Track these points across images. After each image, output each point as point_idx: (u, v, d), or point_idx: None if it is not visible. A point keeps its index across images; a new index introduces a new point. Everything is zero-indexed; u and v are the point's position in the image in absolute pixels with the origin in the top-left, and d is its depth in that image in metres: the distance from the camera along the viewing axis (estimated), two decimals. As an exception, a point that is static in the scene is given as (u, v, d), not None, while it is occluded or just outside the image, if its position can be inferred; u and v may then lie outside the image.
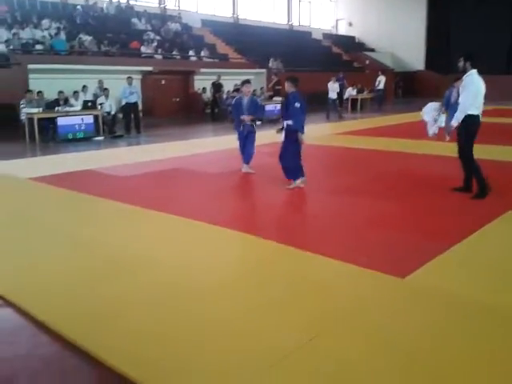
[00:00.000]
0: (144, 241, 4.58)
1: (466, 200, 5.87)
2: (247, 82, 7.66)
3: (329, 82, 18.10)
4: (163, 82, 17.58)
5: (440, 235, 4.58)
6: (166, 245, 4.47)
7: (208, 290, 3.48)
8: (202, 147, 10.60)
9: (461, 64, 6.01)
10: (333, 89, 17.88)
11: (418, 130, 11.84)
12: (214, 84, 17.41)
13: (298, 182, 6.56)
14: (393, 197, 6.09)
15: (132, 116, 13.60)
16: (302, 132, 6.48)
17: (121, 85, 13.62)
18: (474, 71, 5.92)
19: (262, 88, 18.80)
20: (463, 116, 5.82)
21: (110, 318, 3.07)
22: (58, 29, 16.20)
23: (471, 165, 5.99)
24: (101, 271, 3.84)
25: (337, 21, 33.67)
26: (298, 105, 6.34)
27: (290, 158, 6.50)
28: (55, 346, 2.81)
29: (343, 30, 33.34)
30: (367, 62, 28.92)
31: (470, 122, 5.85)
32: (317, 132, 13.18)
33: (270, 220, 5.38)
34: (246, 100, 7.50)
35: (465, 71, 5.97)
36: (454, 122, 5.93)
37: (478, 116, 5.90)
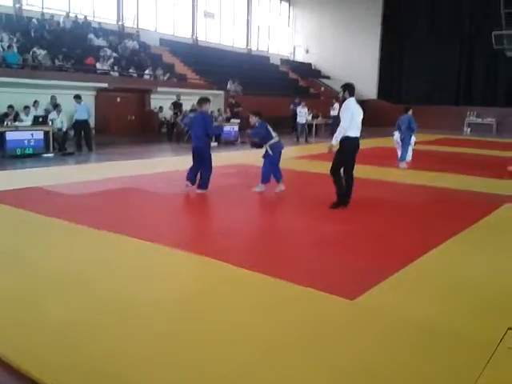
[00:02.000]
0: (90, 261, 4.44)
1: (414, 223, 6.04)
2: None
3: (297, 106, 18.70)
4: (118, 99, 17.35)
5: (387, 258, 4.67)
6: (116, 265, 4.34)
7: (158, 312, 3.39)
8: (156, 167, 10.48)
9: (341, 94, 6.80)
10: (302, 114, 18.29)
11: (370, 157, 12.17)
12: (175, 103, 17.47)
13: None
14: (343, 220, 6.19)
15: (83, 133, 13.32)
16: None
17: (75, 102, 13.35)
18: (351, 99, 6.65)
19: (219, 109, 18.88)
20: (341, 137, 6.50)
21: (56, 339, 2.93)
22: (11, 41, 15.76)
23: (335, 178, 6.68)
24: (46, 292, 3.68)
25: (294, 47, 34.44)
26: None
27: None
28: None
29: (300, 57, 34.10)
30: (322, 88, 29.65)
31: (347, 143, 6.53)
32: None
33: (223, 241, 5.34)
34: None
35: (344, 99, 6.69)
36: (334, 141, 6.57)
37: (355, 138, 6.58)
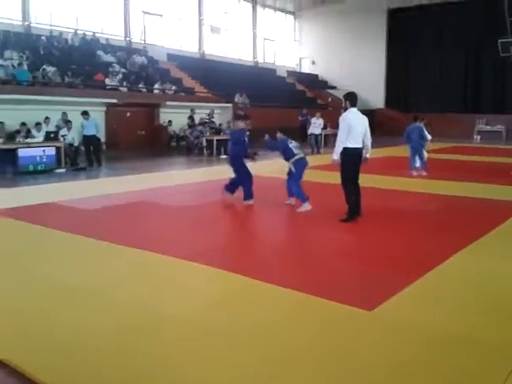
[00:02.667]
0: (109, 275, 4.45)
1: (428, 233, 6.00)
2: None
3: (306, 117, 18.58)
4: (128, 114, 17.50)
5: (403, 268, 4.64)
6: (132, 279, 4.36)
7: (172, 323, 3.39)
8: (169, 180, 10.53)
9: (343, 104, 6.63)
10: (316, 125, 18.08)
11: (382, 166, 12.15)
12: (190, 117, 17.94)
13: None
14: (359, 230, 6.16)
15: (92, 148, 13.41)
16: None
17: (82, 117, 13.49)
18: (352, 109, 6.46)
19: (228, 122, 18.96)
20: (340, 149, 6.36)
21: (70, 350, 2.94)
22: (21, 59, 15.99)
23: (345, 191, 6.53)
24: (63, 307, 3.70)
25: (300, 59, 34.61)
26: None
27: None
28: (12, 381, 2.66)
29: (307, 68, 34.26)
30: (330, 99, 29.70)
31: (345, 153, 6.38)
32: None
33: (238, 253, 5.34)
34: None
35: (346, 109, 6.51)
36: (335, 155, 6.42)
37: (354, 149, 6.39)
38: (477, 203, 7.99)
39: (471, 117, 26.99)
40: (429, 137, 11.33)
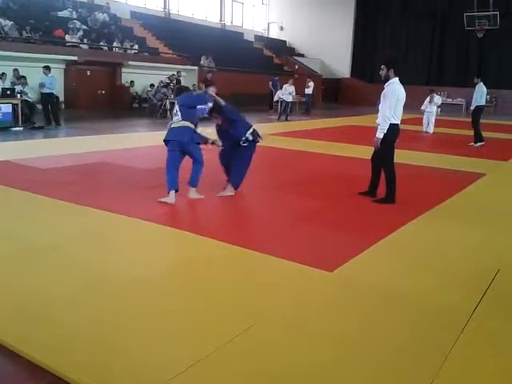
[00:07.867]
0: (68, 235, 4.36)
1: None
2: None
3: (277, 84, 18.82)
4: (88, 73, 16.92)
5: (363, 232, 4.74)
6: (91, 240, 4.29)
7: (141, 284, 3.37)
8: (130, 142, 10.31)
9: (383, 72, 5.74)
10: (287, 92, 18.02)
11: (348, 135, 12.26)
12: (177, 79, 17.80)
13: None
14: (320, 196, 6.23)
15: (50, 107, 12.92)
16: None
17: (43, 74, 12.94)
18: (396, 79, 5.70)
19: (193, 85, 18.58)
20: (388, 125, 5.62)
21: (32, 313, 2.90)
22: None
23: (389, 173, 5.85)
24: (23, 266, 3.61)
25: (268, 24, 34.07)
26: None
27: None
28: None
29: (274, 34, 33.81)
30: (297, 66, 29.52)
31: (390, 130, 5.65)
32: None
33: (204, 216, 5.33)
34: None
35: (387, 79, 5.71)
36: (380, 134, 5.66)
37: (397, 125, 5.75)
38: (437, 172, 8.19)
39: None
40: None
